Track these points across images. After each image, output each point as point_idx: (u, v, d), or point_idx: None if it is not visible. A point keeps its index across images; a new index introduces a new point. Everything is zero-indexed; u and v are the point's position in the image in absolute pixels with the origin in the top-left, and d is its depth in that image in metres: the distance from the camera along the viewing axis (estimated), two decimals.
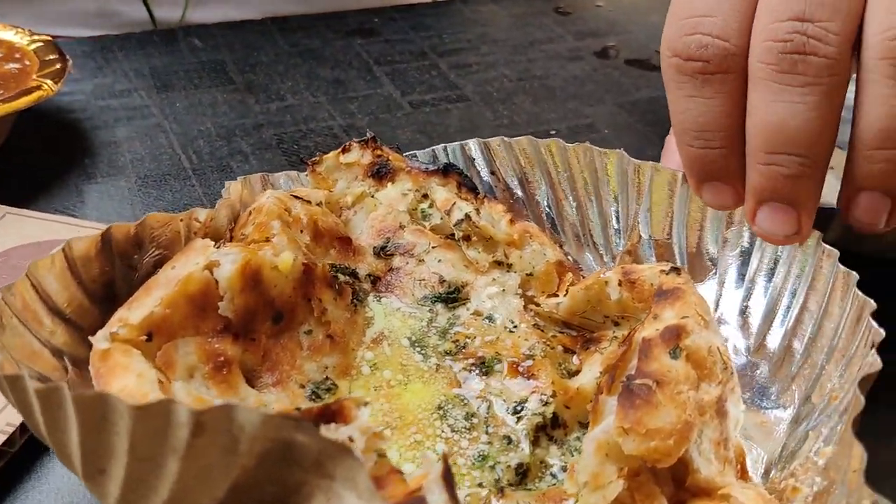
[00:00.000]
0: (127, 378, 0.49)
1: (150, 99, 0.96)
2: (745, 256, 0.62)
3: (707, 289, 0.63)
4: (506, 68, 1.08)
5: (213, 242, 0.56)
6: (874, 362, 0.47)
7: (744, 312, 0.62)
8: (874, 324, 0.50)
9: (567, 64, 1.10)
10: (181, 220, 0.58)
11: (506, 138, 0.69)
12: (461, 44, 1.14)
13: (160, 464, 0.38)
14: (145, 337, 0.51)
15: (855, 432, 0.44)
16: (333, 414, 0.44)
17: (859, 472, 0.43)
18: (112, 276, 0.55)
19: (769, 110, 0.52)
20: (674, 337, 0.48)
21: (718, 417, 0.48)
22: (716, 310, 0.63)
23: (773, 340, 0.59)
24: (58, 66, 0.86)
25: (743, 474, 0.51)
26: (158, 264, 0.56)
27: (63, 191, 0.80)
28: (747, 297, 0.62)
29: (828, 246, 0.56)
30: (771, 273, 0.61)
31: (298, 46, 1.10)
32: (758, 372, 0.59)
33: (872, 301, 0.51)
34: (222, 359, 0.53)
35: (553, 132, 0.93)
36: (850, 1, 0.52)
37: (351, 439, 0.43)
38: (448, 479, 0.38)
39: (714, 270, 0.64)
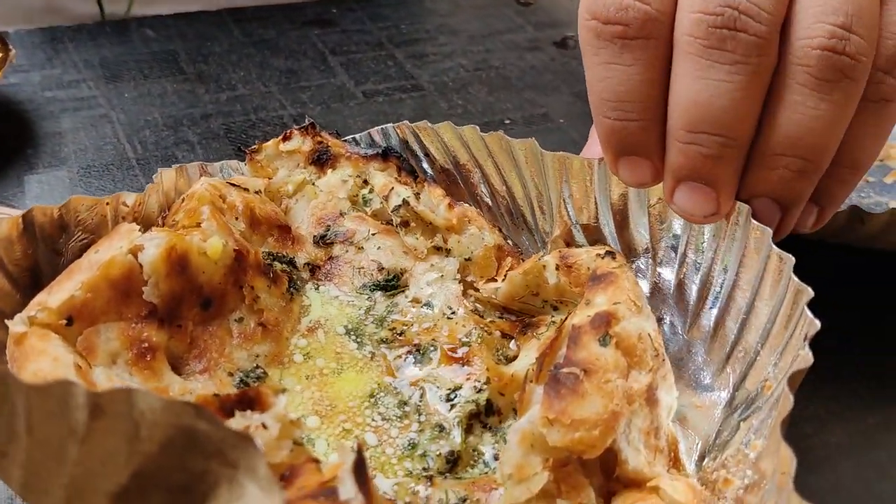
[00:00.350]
0: (41, 362, 0.48)
1: (97, 90, 0.94)
2: (674, 231, 0.60)
3: (642, 265, 0.62)
4: (463, 58, 1.07)
5: (138, 226, 0.55)
6: (806, 357, 0.46)
7: (680, 288, 0.60)
8: (810, 314, 0.48)
9: (525, 54, 1.09)
10: (107, 204, 0.57)
11: (429, 123, 0.68)
12: (419, 34, 1.13)
13: (60, 447, 0.37)
14: (65, 321, 0.50)
15: (783, 433, 0.43)
16: (251, 401, 0.44)
17: (788, 476, 0.41)
18: (36, 260, 0.54)
19: (694, 87, 0.50)
20: (604, 324, 0.47)
21: (648, 406, 0.47)
22: (652, 288, 0.61)
23: (708, 319, 0.58)
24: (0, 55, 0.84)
25: (675, 463, 0.50)
26: (85, 248, 0.55)
27: (3, 181, 0.79)
28: (680, 273, 0.60)
29: (757, 222, 0.54)
30: (700, 249, 0.59)
31: (253, 37, 1.09)
32: (693, 352, 0.57)
33: (810, 289, 0.49)
34: (146, 345, 0.52)
35: (507, 121, 0.92)
36: None
37: (264, 426, 0.42)
38: (359, 470, 0.38)
39: (647, 247, 0.62)
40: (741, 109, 0.50)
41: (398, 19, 1.16)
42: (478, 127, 0.66)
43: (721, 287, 0.57)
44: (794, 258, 0.51)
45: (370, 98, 0.96)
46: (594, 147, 0.69)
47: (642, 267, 0.62)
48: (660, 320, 0.59)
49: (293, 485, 0.41)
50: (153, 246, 0.52)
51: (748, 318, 0.55)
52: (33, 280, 0.54)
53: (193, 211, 0.57)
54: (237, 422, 0.43)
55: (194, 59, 1.02)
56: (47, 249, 0.55)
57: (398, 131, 0.69)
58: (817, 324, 0.47)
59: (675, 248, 0.61)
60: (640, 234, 0.62)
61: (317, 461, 0.43)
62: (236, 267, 0.56)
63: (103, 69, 0.99)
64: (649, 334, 0.49)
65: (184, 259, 0.53)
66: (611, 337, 0.47)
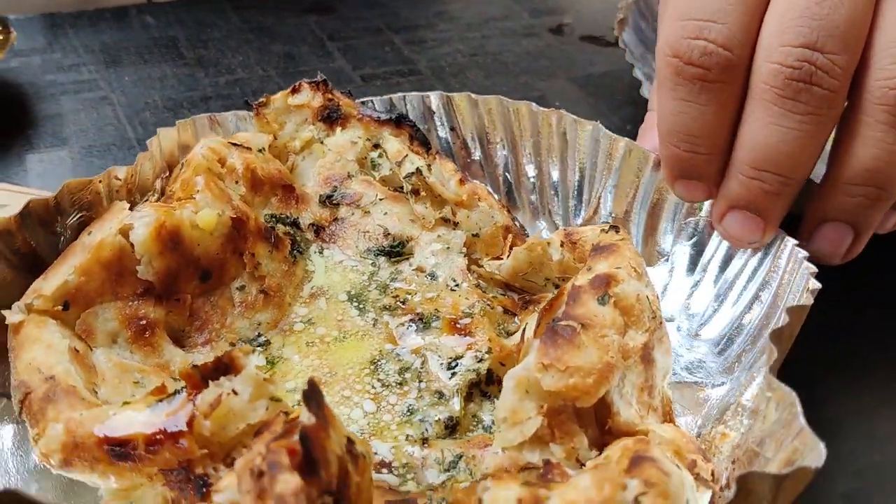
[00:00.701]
0: (35, 350, 0.49)
1: (98, 73, 0.95)
2: (700, 247, 0.62)
3: (657, 272, 0.63)
4: (460, 44, 1.07)
5: (128, 205, 0.55)
6: (809, 298, 0.50)
7: (690, 297, 0.62)
8: (813, 279, 0.52)
9: (522, 40, 1.10)
10: (100, 181, 0.57)
11: (472, 94, 0.69)
12: (417, 21, 1.13)
13: None
14: (61, 307, 0.51)
15: (774, 341, 0.46)
16: (226, 367, 0.44)
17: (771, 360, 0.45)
18: (35, 245, 0.54)
19: (765, 131, 0.54)
20: (603, 284, 0.48)
21: (644, 364, 0.48)
22: (663, 293, 0.62)
23: (720, 324, 0.60)
24: (0, 37, 0.85)
25: (669, 422, 0.50)
26: (83, 226, 0.55)
27: (5, 160, 0.79)
28: (697, 284, 0.62)
29: (789, 238, 0.57)
30: (726, 263, 0.61)
31: (251, 23, 1.09)
32: (701, 351, 0.59)
33: (813, 265, 0.53)
34: (144, 322, 0.52)
35: None
36: (857, 36, 0.53)
37: (235, 392, 0.43)
38: (310, 397, 0.38)
39: (667, 258, 0.64)
40: (805, 155, 0.54)
41: (396, 6, 1.17)
42: (533, 103, 0.67)
43: (740, 296, 0.59)
44: (805, 252, 0.55)
45: (368, 82, 0.97)
46: (645, 137, 0.70)
47: (657, 272, 0.63)
48: (670, 320, 0.60)
49: (263, 434, 0.41)
50: (142, 225, 0.53)
51: (762, 317, 0.57)
52: (36, 264, 0.54)
53: (188, 181, 0.57)
54: (210, 392, 0.43)
55: (194, 44, 1.03)
56: (46, 233, 0.55)
57: (424, 100, 0.69)
58: (818, 284, 0.51)
59: (695, 261, 0.63)
60: (664, 242, 0.64)
61: (287, 413, 0.43)
62: (235, 235, 0.56)
63: (103, 54, 0.99)
64: (647, 297, 0.50)
65: (175, 234, 0.53)
66: (609, 296, 0.48)
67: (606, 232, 0.55)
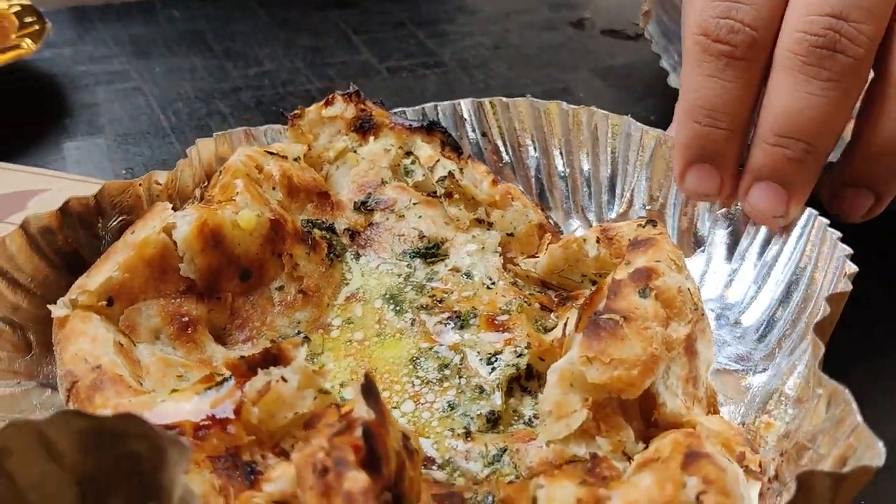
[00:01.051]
0: (81, 342, 0.49)
1: (129, 64, 0.97)
2: (736, 235, 0.63)
3: (694, 263, 0.64)
4: (482, 37, 1.09)
5: (170, 205, 0.56)
6: (847, 285, 0.50)
7: (729, 285, 0.62)
8: (849, 262, 0.52)
9: (543, 33, 1.11)
10: (140, 185, 0.58)
11: (504, 98, 0.70)
12: (438, 14, 1.15)
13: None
14: (105, 302, 0.52)
15: (818, 334, 0.46)
16: (275, 358, 0.45)
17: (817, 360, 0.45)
18: (77, 246, 0.56)
19: (789, 97, 0.55)
20: (644, 277, 0.49)
21: (687, 355, 0.48)
22: (701, 283, 0.63)
23: (759, 310, 0.60)
24: (36, 27, 0.87)
25: (714, 413, 0.51)
26: (123, 228, 0.57)
27: (43, 148, 0.81)
28: (735, 272, 0.63)
29: (822, 218, 0.57)
30: (763, 249, 0.62)
31: (277, 17, 1.10)
32: (740, 339, 0.59)
33: (848, 247, 0.54)
34: (186, 319, 0.53)
35: (528, 95, 0.94)
36: (885, 8, 0.54)
37: (284, 379, 0.44)
38: (367, 391, 0.39)
39: (703, 248, 0.64)
40: (829, 122, 0.55)
41: (417, 0, 1.18)
42: (563, 102, 0.68)
43: (777, 283, 0.60)
44: (839, 232, 0.55)
45: (394, 74, 0.98)
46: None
47: (694, 262, 0.64)
48: (709, 309, 0.60)
49: (315, 427, 0.42)
50: (185, 223, 0.54)
51: (801, 305, 0.57)
52: (77, 264, 0.55)
53: (227, 185, 0.58)
54: (259, 379, 0.44)
55: (221, 37, 1.04)
56: (87, 234, 0.56)
57: (456, 108, 0.71)
58: (854, 267, 0.52)
59: (731, 250, 0.63)
60: (701, 230, 0.64)
61: (338, 405, 0.44)
62: (273, 236, 0.57)
63: (133, 46, 1.01)
64: (689, 289, 0.50)
65: (217, 233, 0.54)
66: (651, 289, 0.48)
67: (643, 226, 0.56)
